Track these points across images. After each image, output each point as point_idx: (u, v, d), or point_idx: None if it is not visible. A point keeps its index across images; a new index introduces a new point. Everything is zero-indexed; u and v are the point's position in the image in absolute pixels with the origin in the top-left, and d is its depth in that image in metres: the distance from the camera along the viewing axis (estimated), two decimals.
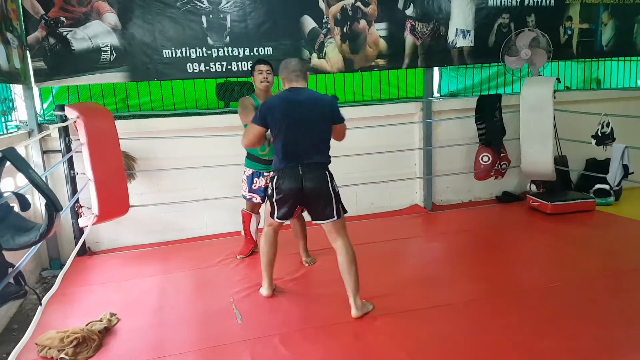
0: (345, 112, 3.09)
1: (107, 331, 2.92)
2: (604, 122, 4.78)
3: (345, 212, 3.06)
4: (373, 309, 3.06)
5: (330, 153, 3.02)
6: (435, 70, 5.44)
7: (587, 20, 5.50)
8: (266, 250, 3.25)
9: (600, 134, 4.80)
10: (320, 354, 2.62)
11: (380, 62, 4.85)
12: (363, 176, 4.71)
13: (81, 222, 3.88)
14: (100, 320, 2.99)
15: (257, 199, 3.82)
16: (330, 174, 2.98)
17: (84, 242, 4.29)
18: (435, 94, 5.53)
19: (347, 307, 3.00)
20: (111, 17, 4.10)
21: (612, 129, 4.76)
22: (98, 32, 4.09)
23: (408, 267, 3.82)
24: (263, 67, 3.67)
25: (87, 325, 2.91)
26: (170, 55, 4.29)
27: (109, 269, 4.04)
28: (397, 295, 3.28)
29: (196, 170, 4.60)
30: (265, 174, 3.73)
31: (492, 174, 5.00)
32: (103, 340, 2.81)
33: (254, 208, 3.98)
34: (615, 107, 5.24)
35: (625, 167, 4.66)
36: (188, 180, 4.64)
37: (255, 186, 3.80)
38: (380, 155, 5.06)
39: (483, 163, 4.96)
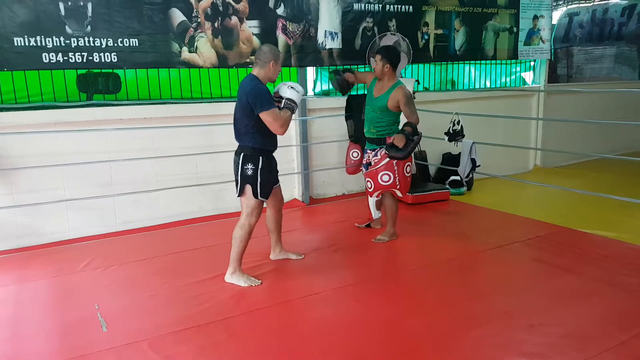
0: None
1: None
2: (455, 120, 5.31)
3: (256, 197, 3.36)
4: (258, 284, 3.41)
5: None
6: (311, 69, 5.61)
7: (441, 26, 6.02)
8: None
9: (451, 131, 5.32)
10: (192, 355, 2.61)
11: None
12: None
13: None
14: None
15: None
16: (246, 158, 3.32)
17: None
18: (310, 92, 5.71)
19: (222, 304, 3.05)
20: None
21: (462, 126, 5.31)
22: None
23: (287, 259, 3.92)
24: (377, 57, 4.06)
25: None
26: (23, 44, 3.91)
27: None
28: (275, 288, 3.39)
29: (56, 169, 4.27)
30: (368, 150, 4.33)
31: (361, 168, 5.29)
32: None
33: None
34: (466, 106, 5.85)
35: (473, 161, 5.24)
36: (47, 180, 4.29)
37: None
38: None
39: (353, 158, 5.23)
